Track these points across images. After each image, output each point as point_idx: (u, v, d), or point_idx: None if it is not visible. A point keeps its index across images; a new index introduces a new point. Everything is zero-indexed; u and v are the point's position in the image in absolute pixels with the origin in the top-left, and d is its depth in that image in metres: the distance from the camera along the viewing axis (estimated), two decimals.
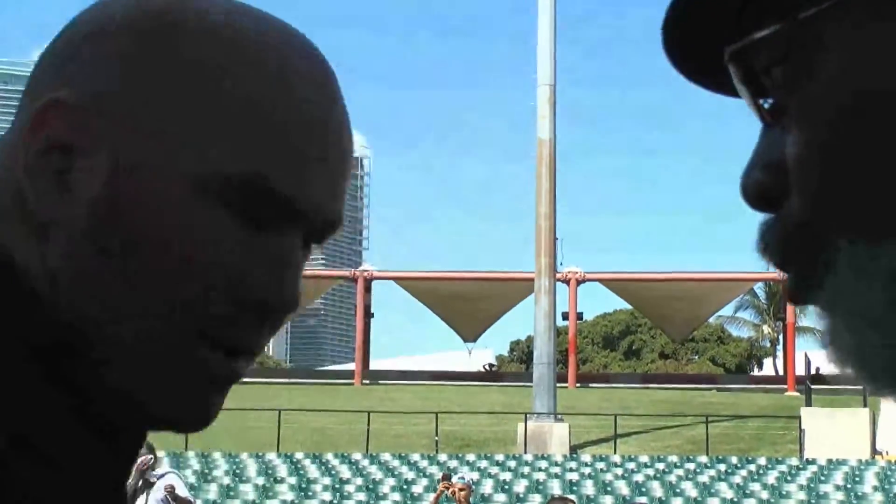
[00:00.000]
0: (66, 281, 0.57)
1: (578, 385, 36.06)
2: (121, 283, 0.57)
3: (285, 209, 0.59)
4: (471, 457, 21.00)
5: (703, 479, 19.38)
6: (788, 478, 19.50)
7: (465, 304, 21.55)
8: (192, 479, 17.10)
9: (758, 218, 0.43)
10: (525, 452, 21.80)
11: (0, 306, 0.55)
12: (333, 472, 19.89)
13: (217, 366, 0.59)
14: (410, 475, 19.63)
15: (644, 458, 20.89)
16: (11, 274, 0.56)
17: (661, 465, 20.24)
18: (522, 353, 58.46)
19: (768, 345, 58.60)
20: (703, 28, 0.45)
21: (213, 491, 18.03)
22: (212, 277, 0.57)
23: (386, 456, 21.00)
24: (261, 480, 19.03)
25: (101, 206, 0.57)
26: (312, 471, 20.02)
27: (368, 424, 22.58)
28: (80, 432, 0.57)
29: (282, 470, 19.93)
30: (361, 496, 18.44)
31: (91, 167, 0.57)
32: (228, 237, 0.58)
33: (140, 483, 7.65)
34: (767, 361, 58.12)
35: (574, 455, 21.96)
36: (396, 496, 18.47)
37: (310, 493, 18.53)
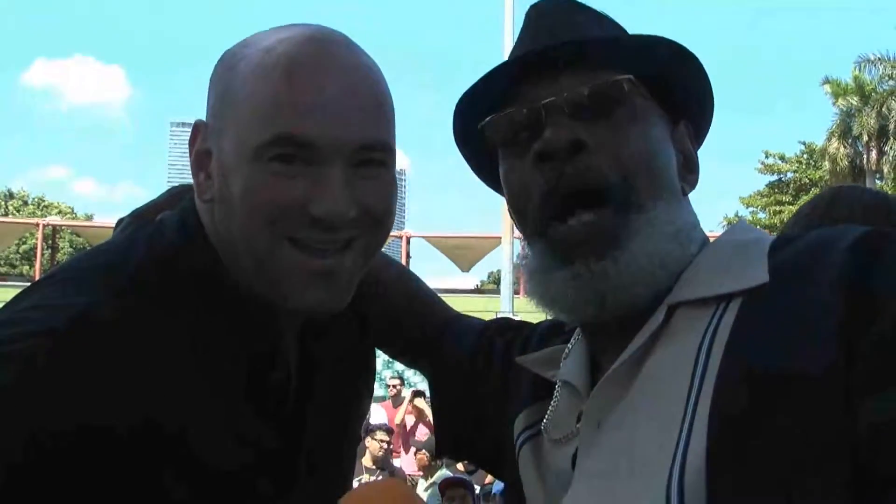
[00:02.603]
0: (215, 223, 0.86)
1: None
2: (229, 219, 0.82)
3: (311, 149, 0.78)
4: None
5: None
6: None
7: (469, 252, 27.14)
8: None
9: None
10: None
11: (202, 246, 0.85)
12: None
13: (308, 260, 0.80)
14: None
15: None
16: (202, 228, 0.87)
17: None
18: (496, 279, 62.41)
19: None
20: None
21: None
22: (275, 207, 0.79)
23: None
24: None
25: (217, 179, 0.83)
26: None
27: None
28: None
29: None
30: None
31: (212, 158, 0.83)
32: (279, 179, 0.77)
33: None
34: None
35: None
36: None
37: None
